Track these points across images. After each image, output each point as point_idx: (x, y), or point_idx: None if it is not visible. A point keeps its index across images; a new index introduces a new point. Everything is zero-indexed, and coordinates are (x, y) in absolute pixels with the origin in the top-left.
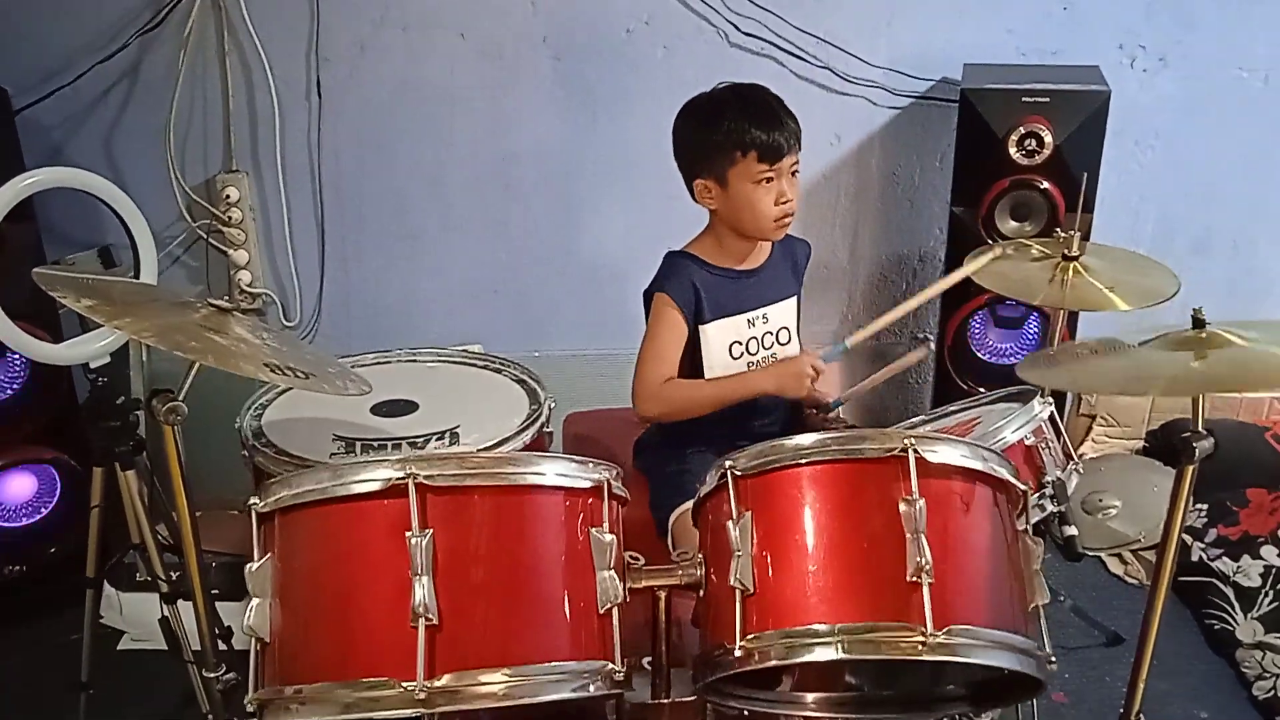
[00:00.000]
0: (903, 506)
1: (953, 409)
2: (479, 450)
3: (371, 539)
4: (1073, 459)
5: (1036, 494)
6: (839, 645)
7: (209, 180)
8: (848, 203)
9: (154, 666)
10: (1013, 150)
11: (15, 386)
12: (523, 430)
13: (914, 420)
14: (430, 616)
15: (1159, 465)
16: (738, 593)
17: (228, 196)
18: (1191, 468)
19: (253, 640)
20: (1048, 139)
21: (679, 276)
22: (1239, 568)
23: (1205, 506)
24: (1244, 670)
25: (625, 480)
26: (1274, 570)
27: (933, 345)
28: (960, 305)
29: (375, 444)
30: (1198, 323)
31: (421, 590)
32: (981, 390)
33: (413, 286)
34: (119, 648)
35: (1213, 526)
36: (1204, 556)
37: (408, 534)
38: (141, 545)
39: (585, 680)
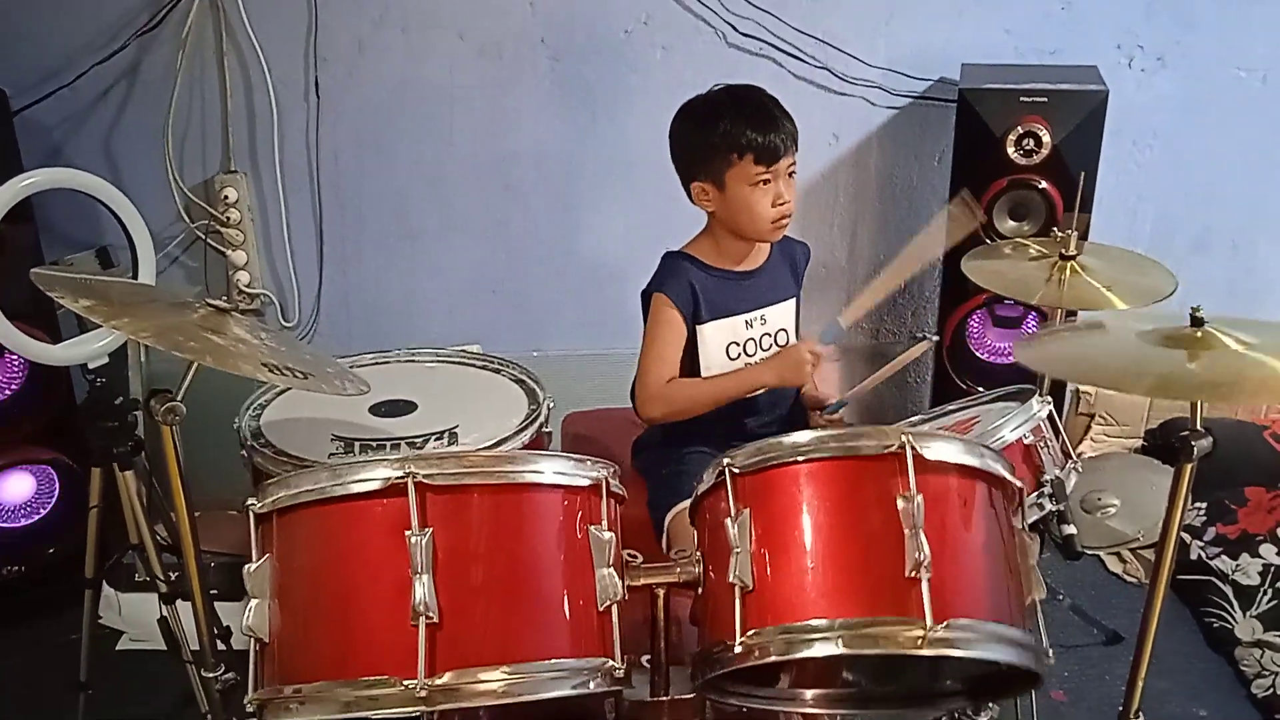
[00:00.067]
0: (900, 503)
1: (951, 408)
2: (478, 450)
3: (371, 538)
4: (1071, 458)
5: (1035, 493)
6: (839, 640)
7: (207, 181)
8: (846, 203)
9: (153, 667)
10: (1011, 150)
11: (14, 387)
12: (522, 430)
13: (913, 419)
14: (431, 615)
15: (1157, 464)
16: (737, 589)
17: (226, 197)
18: (1190, 466)
19: (252, 641)
20: (1046, 139)
21: (677, 277)
22: (1238, 566)
23: (1204, 505)
24: (1243, 668)
25: (623, 479)
26: (1273, 568)
27: (934, 338)
28: (959, 305)
29: (374, 444)
30: (1196, 321)
31: (422, 589)
32: (980, 389)
33: (411, 286)
34: (118, 648)
35: (1211, 525)
36: (1203, 555)
37: (407, 533)
38: (140, 546)
39: (585, 677)
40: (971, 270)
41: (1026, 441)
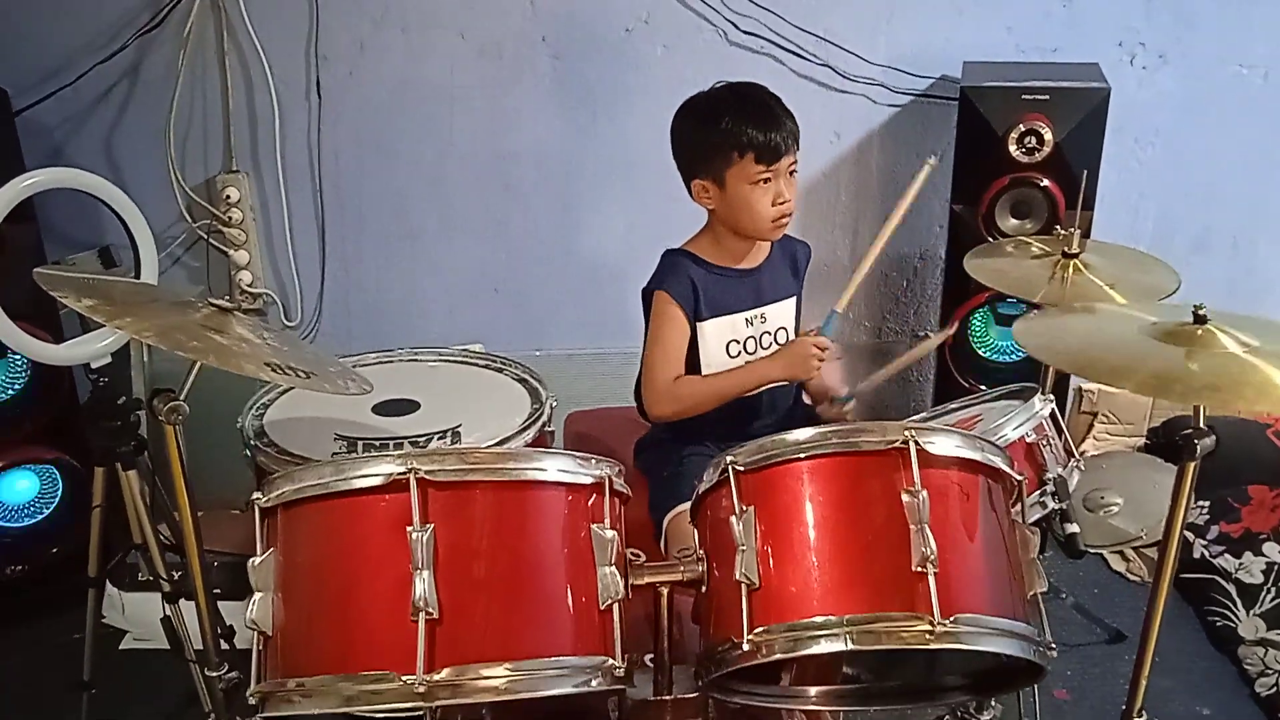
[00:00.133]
0: (905, 498)
1: (954, 406)
2: (481, 447)
3: (373, 533)
4: (1074, 456)
5: (1038, 491)
6: (847, 637)
7: (209, 180)
8: (848, 201)
9: (156, 666)
10: (1013, 148)
11: (16, 387)
12: (524, 429)
13: (916, 417)
14: (430, 610)
15: (1160, 462)
16: (743, 587)
17: (228, 196)
18: (1193, 465)
19: (255, 634)
20: (1048, 136)
21: (677, 274)
22: (1241, 564)
23: (1207, 503)
24: (1246, 667)
25: (626, 479)
26: (1276, 567)
27: (950, 331)
28: (961, 303)
29: (377, 443)
30: (1199, 319)
31: (422, 584)
32: (983, 388)
33: (413, 286)
34: (121, 647)
35: (1214, 523)
36: (1206, 553)
37: (409, 529)
38: (143, 545)
39: (586, 675)
40: (974, 269)
41: (1029, 440)
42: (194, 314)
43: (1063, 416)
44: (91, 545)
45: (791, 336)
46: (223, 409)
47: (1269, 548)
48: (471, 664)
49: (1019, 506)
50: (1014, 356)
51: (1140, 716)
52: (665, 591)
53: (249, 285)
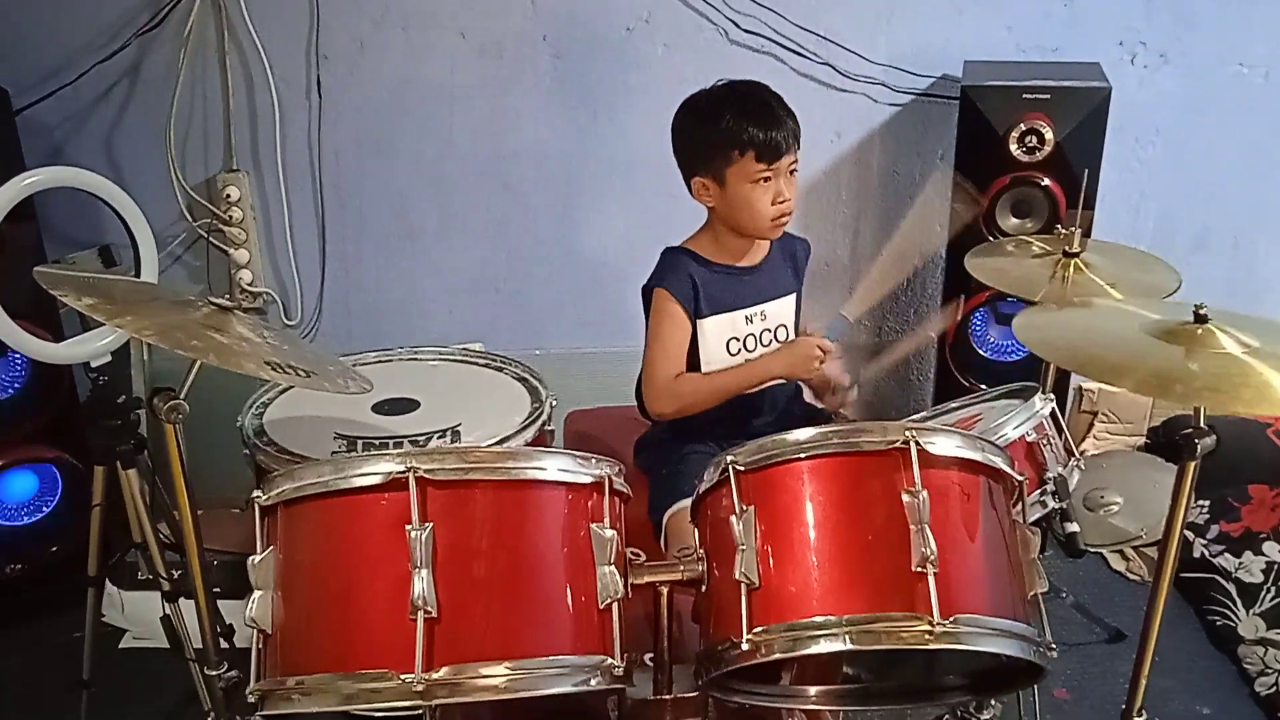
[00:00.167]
0: (906, 498)
1: (954, 406)
2: (481, 445)
3: (372, 532)
4: (1074, 455)
5: (1038, 490)
6: (846, 636)
7: (209, 179)
8: (848, 200)
9: (156, 665)
10: (1013, 147)
11: (16, 386)
12: (524, 428)
13: (916, 417)
14: (429, 609)
15: (1160, 462)
16: (743, 587)
17: (228, 195)
18: (1193, 464)
19: (255, 632)
20: (1048, 136)
21: (677, 271)
22: (1241, 564)
23: (1207, 503)
24: (1246, 666)
25: (626, 478)
26: (1276, 566)
27: (959, 303)
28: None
29: (377, 442)
30: (1200, 318)
31: (421, 583)
32: (983, 387)
33: (413, 285)
34: (120, 646)
35: (1215, 523)
36: (1206, 553)
37: (408, 527)
38: (143, 544)
39: (585, 674)
40: (974, 268)
41: (1029, 439)
42: (194, 313)
43: (1063, 416)
44: (91, 544)
45: (792, 334)
46: (223, 408)
47: (1269, 547)
48: (470, 663)
49: (1020, 507)
50: (1014, 356)
51: (1140, 716)
52: (665, 591)
53: (249, 284)
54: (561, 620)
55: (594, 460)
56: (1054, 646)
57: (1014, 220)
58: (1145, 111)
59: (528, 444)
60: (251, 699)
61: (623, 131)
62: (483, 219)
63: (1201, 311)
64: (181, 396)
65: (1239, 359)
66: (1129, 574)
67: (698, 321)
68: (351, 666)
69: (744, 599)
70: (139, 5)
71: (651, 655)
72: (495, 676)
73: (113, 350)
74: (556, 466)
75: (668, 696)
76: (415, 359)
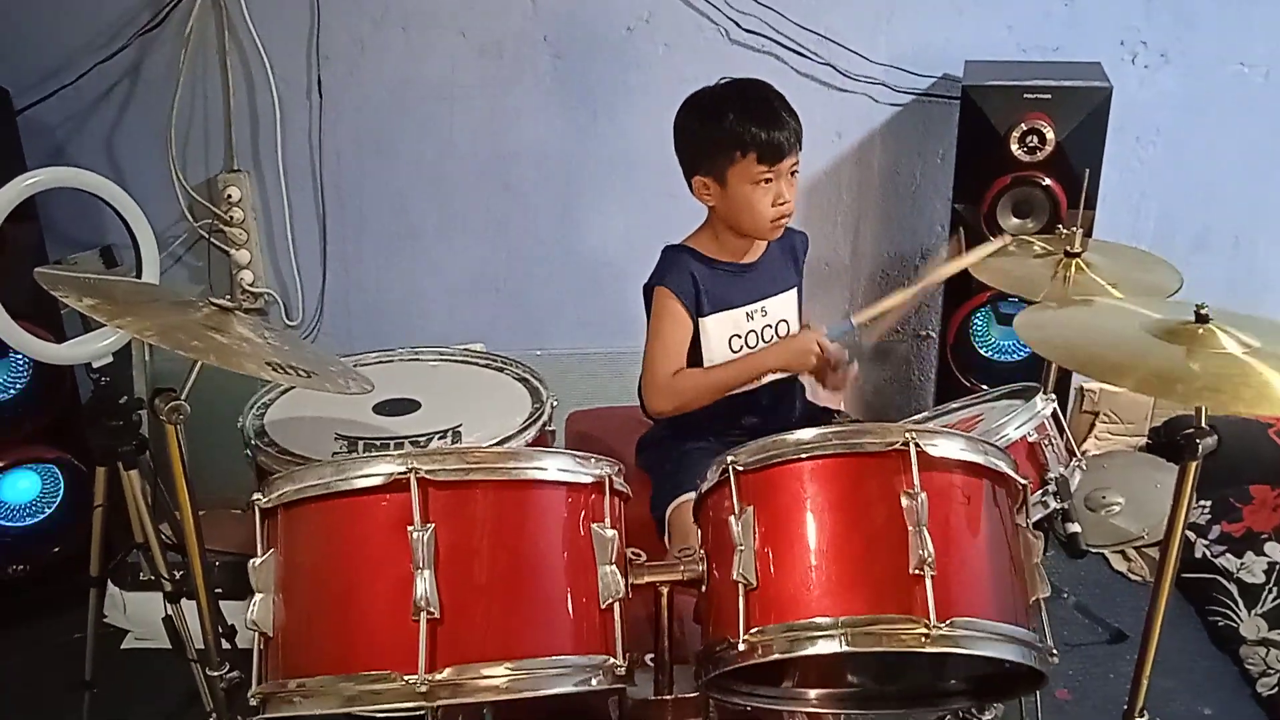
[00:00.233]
0: (904, 500)
1: (955, 406)
2: (481, 446)
3: (374, 533)
4: (1075, 456)
5: (1039, 491)
6: (842, 638)
7: (210, 180)
8: (849, 200)
9: (157, 665)
10: (1014, 147)
11: (18, 386)
12: (525, 429)
13: (917, 417)
14: (432, 610)
15: (1162, 462)
16: (741, 587)
17: (229, 196)
18: (1195, 464)
19: (256, 635)
20: (1049, 135)
21: (678, 269)
22: (1242, 564)
23: (1208, 503)
24: (1248, 667)
25: (627, 478)
26: (1278, 567)
27: (961, 234)
28: (962, 302)
29: (378, 443)
30: (1201, 319)
31: (423, 584)
32: (984, 387)
33: (414, 285)
34: (122, 647)
35: (1216, 523)
36: (1207, 553)
37: (410, 528)
38: (145, 544)
39: (587, 674)
40: (975, 268)
41: (1031, 439)
42: (195, 313)
43: (1064, 416)
44: (93, 545)
45: (794, 328)
46: (224, 408)
47: (1271, 547)
48: (473, 663)
49: (1023, 510)
50: (1016, 356)
51: (1142, 716)
52: (666, 591)
53: (250, 285)
54: (563, 620)
55: (594, 460)
56: (1055, 652)
57: (1015, 220)
58: (1146, 111)
59: (528, 444)
60: (253, 702)
61: (623, 131)
62: (483, 219)
63: (1203, 311)
64: (183, 397)
65: (1240, 359)
66: (1130, 574)
67: (700, 320)
68: (354, 668)
69: (742, 599)
70: (139, 5)
71: (652, 655)
72: (497, 677)
73: (114, 351)
74: (557, 466)
75: (668, 697)
76: (416, 359)
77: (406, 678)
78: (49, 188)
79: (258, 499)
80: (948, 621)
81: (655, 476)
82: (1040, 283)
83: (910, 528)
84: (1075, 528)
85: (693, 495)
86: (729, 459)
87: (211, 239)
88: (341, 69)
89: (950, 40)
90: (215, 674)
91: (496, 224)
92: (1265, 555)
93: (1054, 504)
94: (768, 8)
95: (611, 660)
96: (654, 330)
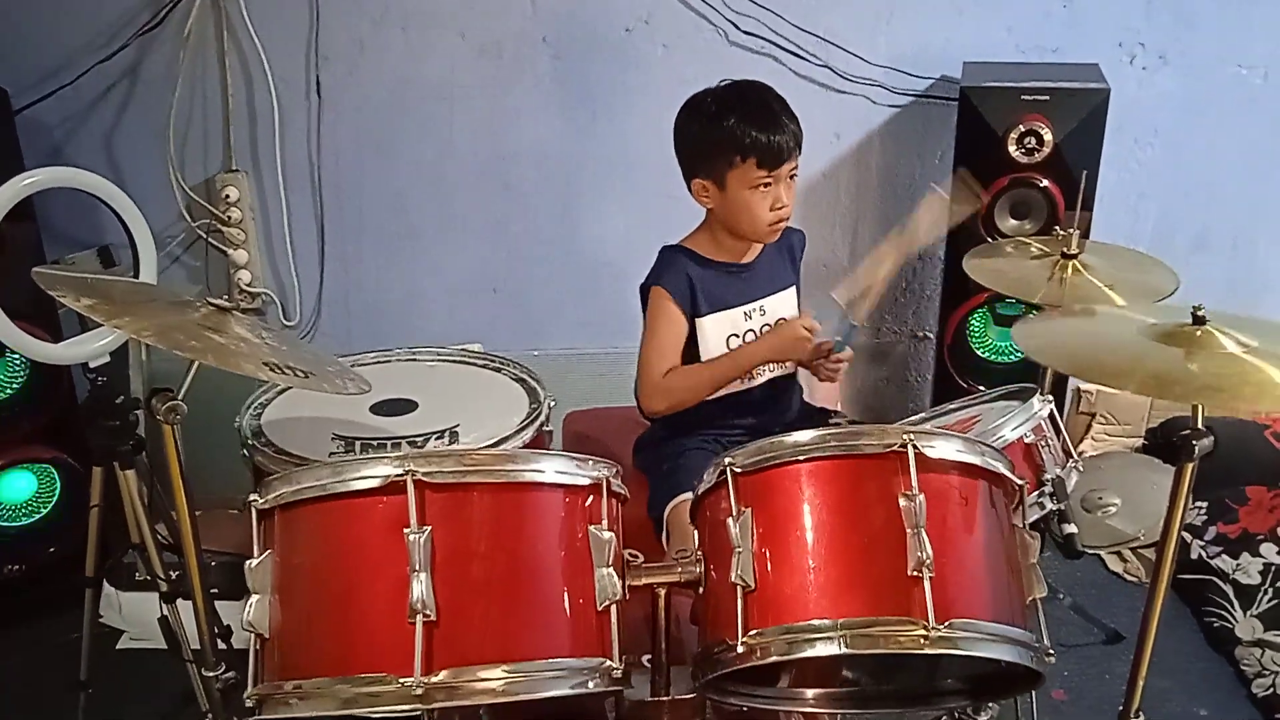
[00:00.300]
0: (903, 501)
1: (952, 407)
2: (478, 448)
3: (370, 535)
4: (1072, 457)
5: (1036, 492)
6: (841, 640)
7: (209, 180)
8: (848, 201)
9: (153, 666)
10: (1012, 148)
11: (15, 386)
12: (522, 429)
13: (914, 418)
14: (428, 613)
15: (1158, 463)
16: (739, 589)
17: (227, 196)
18: (1191, 465)
19: (252, 636)
20: (1047, 137)
21: (674, 270)
22: (1238, 565)
23: (1205, 504)
24: (1243, 668)
25: (625, 479)
26: (1273, 568)
27: (941, 193)
28: (960, 303)
29: (375, 443)
30: (1198, 320)
31: (420, 586)
32: (981, 388)
33: (412, 285)
34: (118, 647)
35: (1212, 524)
36: (1203, 554)
37: (406, 530)
38: (141, 545)
39: (584, 677)
40: (972, 269)
41: (1027, 440)
42: (193, 313)
43: (1061, 417)
44: (89, 545)
45: None
46: (221, 408)
47: (1266, 548)
48: (469, 666)
49: (1020, 511)
50: (1012, 357)
51: (1138, 717)
52: (663, 592)
53: (248, 285)
54: (560, 622)
55: (591, 462)
56: (1052, 652)
57: (1012, 221)
58: (1144, 112)
59: (526, 445)
60: (249, 704)
61: (622, 132)
62: (482, 219)
63: (1200, 313)
64: (180, 397)
65: (1239, 357)
66: (1127, 575)
67: (697, 320)
68: (350, 670)
69: (740, 601)
70: (139, 5)
71: (649, 657)
72: (493, 679)
73: (111, 351)
74: (554, 469)
75: (665, 698)
76: (413, 360)
77: (403, 680)
78: (47, 187)
79: (254, 500)
80: (946, 623)
81: (652, 477)
82: (1037, 284)
83: (908, 529)
84: (1072, 529)
85: (690, 496)
86: (727, 460)
87: (209, 239)
88: (341, 69)
89: (949, 41)
90: (211, 674)
91: (495, 224)
92: (1261, 556)
93: (1051, 505)
94: (767, 9)
95: (608, 662)
96: (649, 330)
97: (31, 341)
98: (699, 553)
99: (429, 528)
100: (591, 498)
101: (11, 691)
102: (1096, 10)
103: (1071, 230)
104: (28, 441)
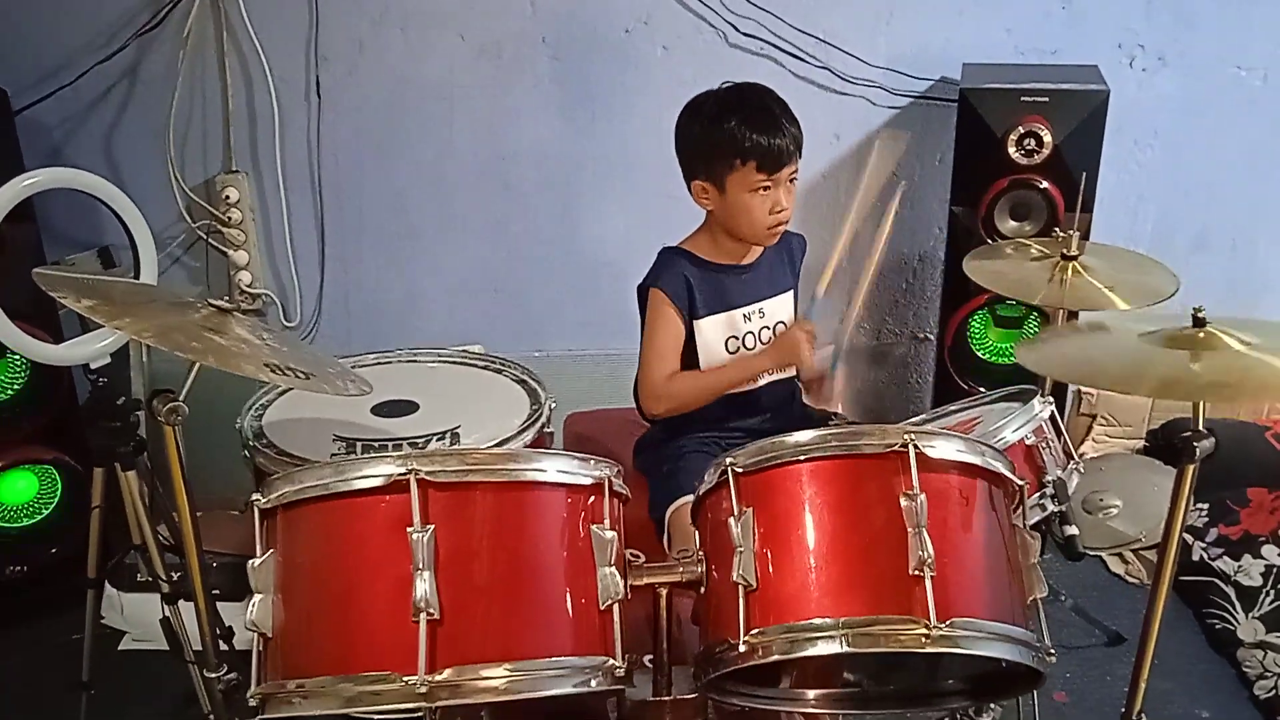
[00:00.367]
0: (904, 501)
1: (953, 409)
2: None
3: (373, 534)
4: (1073, 458)
5: (1037, 493)
6: (842, 639)
7: (209, 181)
8: (847, 203)
9: (155, 667)
10: (1012, 150)
11: (15, 387)
12: (523, 430)
13: (915, 419)
14: (432, 611)
15: (1159, 465)
16: (740, 589)
17: (227, 197)
18: (1192, 467)
19: (255, 635)
20: (1047, 138)
21: (672, 271)
22: (1240, 567)
23: (1206, 506)
24: (1245, 670)
25: (626, 480)
26: (1275, 569)
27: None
28: (960, 305)
29: (376, 444)
30: (1198, 322)
31: (423, 585)
32: (982, 390)
33: (413, 286)
34: (120, 648)
35: (1214, 526)
36: (1205, 556)
37: (409, 529)
38: (142, 545)
39: (586, 676)
40: (973, 270)
41: (1028, 442)
42: (193, 314)
43: (1062, 418)
44: (90, 546)
45: None
46: (222, 410)
47: (1268, 550)
48: (472, 664)
49: (1020, 511)
50: (1013, 358)
51: (1139, 719)
52: (664, 592)
53: (248, 285)
54: (562, 621)
55: (593, 461)
56: (1053, 651)
57: (1012, 223)
58: (1144, 114)
59: (527, 446)
60: (252, 703)
61: (622, 132)
62: (482, 219)
63: (1200, 315)
64: (181, 398)
65: (1242, 354)
66: (1128, 577)
67: (695, 322)
68: (353, 669)
69: (741, 601)
70: (138, 6)
71: (651, 657)
72: (496, 678)
73: (112, 352)
74: (556, 468)
75: (667, 698)
76: (414, 361)
77: (406, 679)
78: (47, 188)
79: (257, 499)
80: (947, 622)
81: (652, 479)
82: (1037, 286)
83: (909, 529)
84: (1073, 530)
85: (690, 499)
86: (728, 460)
87: (209, 240)
88: (340, 70)
89: (948, 43)
90: (213, 675)
91: (495, 224)
92: (1262, 558)
93: (1052, 507)
94: (766, 11)
95: (610, 661)
96: (648, 333)
97: (32, 342)
98: (700, 553)
99: (432, 526)
100: (593, 497)
101: (13, 692)
102: (1096, 12)
103: (1071, 232)
104: (29, 442)
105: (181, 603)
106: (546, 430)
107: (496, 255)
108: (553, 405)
